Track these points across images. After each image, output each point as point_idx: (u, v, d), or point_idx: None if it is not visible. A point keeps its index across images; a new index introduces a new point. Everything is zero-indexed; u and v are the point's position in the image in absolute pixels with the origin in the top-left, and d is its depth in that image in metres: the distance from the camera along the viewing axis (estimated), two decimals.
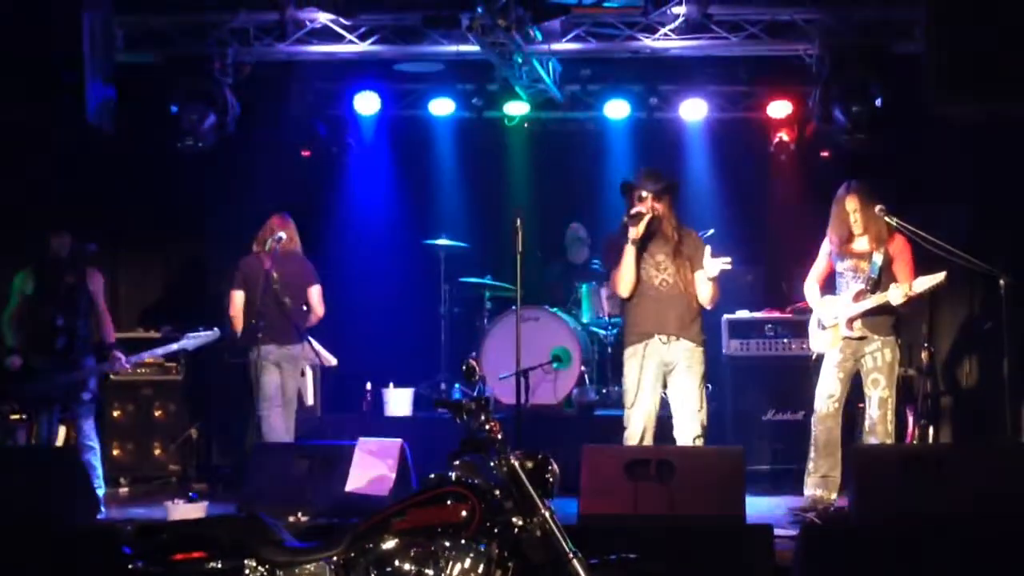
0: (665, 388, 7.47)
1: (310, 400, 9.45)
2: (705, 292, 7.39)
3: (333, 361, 9.12)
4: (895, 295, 7.51)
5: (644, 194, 7.36)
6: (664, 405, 7.57)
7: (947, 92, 8.02)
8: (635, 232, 7.29)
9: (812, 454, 7.79)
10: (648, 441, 7.39)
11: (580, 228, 10.79)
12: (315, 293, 8.75)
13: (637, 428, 7.38)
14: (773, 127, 10.80)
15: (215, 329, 8.76)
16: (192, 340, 8.66)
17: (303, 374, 9.18)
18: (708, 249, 7.31)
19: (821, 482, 7.72)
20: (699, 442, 7.35)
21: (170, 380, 9.87)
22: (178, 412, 9.86)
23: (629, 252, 7.34)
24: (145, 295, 10.77)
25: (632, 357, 7.43)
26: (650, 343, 7.38)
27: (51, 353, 8.40)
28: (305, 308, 8.72)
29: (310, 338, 8.76)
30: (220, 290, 9.17)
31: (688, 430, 7.37)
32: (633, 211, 7.33)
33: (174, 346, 8.73)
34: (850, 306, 7.70)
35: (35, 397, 8.34)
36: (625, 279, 7.39)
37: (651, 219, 7.33)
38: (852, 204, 7.74)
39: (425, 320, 10.54)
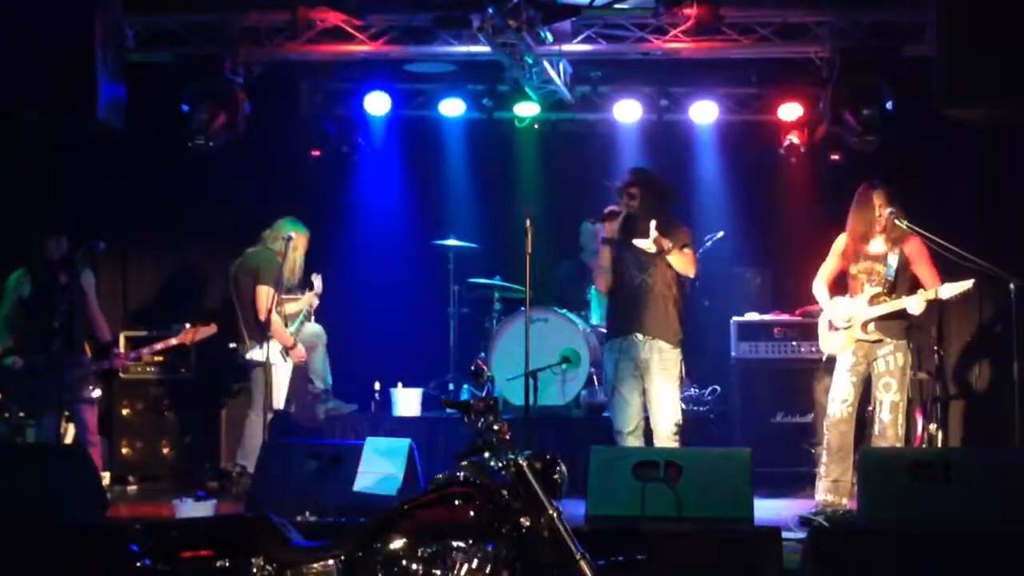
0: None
1: None
2: (677, 264, 7.51)
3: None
4: (915, 303, 7.48)
5: (629, 191, 7.55)
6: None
7: (957, 95, 8.01)
8: (608, 230, 7.52)
9: (824, 458, 7.77)
10: (639, 433, 7.59)
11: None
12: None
13: (623, 420, 7.58)
14: (783, 129, 10.75)
15: (212, 324, 8.78)
16: (188, 334, 8.67)
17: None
18: (653, 223, 7.37)
19: (832, 487, 7.69)
20: (675, 439, 7.53)
21: (179, 378, 9.88)
22: (187, 411, 9.86)
23: (604, 250, 7.59)
24: (155, 294, 10.76)
25: (610, 351, 7.69)
26: (627, 339, 7.57)
27: (48, 353, 8.39)
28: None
29: None
30: (230, 289, 9.17)
31: (662, 429, 7.56)
32: (607, 210, 7.55)
33: (173, 340, 8.74)
34: (866, 309, 7.67)
35: (36, 397, 8.35)
36: (601, 276, 7.71)
37: (630, 217, 7.48)
38: (879, 199, 7.70)
39: (434, 320, 10.52)
